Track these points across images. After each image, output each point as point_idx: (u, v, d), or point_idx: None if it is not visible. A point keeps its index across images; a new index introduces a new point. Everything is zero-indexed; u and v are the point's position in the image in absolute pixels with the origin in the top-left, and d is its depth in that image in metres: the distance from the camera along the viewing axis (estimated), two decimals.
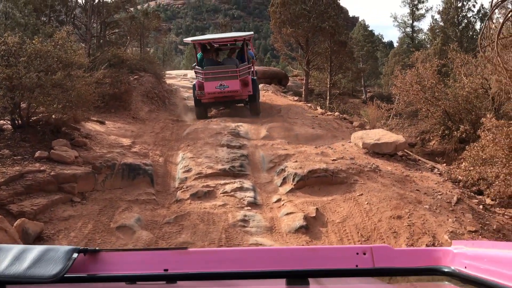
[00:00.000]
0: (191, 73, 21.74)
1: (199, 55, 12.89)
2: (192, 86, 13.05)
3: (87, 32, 14.36)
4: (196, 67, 12.49)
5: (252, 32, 14.50)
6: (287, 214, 7.49)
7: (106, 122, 10.95)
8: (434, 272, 1.35)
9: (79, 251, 1.30)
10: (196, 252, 1.39)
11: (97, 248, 1.34)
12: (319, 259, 1.34)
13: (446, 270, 1.33)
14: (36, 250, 1.28)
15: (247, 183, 8.59)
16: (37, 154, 7.83)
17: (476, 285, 1.21)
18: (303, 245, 6.50)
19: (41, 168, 7.44)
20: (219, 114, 13.89)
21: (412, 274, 1.38)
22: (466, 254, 1.33)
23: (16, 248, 1.30)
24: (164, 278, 1.31)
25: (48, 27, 12.33)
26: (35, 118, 8.93)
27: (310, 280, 1.32)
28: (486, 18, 11.15)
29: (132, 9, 18.28)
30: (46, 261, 1.24)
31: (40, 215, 6.70)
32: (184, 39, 14.73)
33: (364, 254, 1.36)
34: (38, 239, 6.23)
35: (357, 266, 1.34)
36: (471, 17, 33.00)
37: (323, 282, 1.37)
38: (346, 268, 1.33)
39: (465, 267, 1.29)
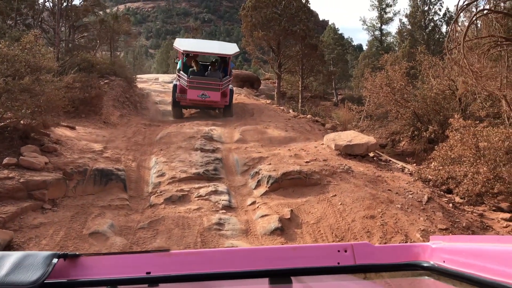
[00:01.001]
0: (162, 77, 21.58)
1: (183, 60, 13.54)
2: (172, 87, 13.59)
3: (55, 36, 14.07)
4: (181, 72, 13.16)
5: (238, 50, 15.26)
6: (262, 216, 7.51)
7: (77, 127, 10.74)
8: (413, 267, 1.38)
9: (58, 256, 1.27)
10: (178, 254, 1.39)
11: (77, 253, 1.32)
12: (301, 258, 1.35)
13: (425, 265, 1.37)
14: (14, 256, 1.25)
15: (221, 187, 8.58)
16: (5, 160, 7.62)
17: (455, 278, 1.24)
18: None
19: (10, 175, 7.25)
20: (193, 115, 13.83)
21: (392, 270, 1.41)
22: (444, 249, 1.36)
23: None
24: (146, 281, 1.29)
25: (15, 31, 12.03)
26: (2, 124, 8.69)
27: (293, 278, 1.33)
28: (452, 21, 11.47)
29: (101, 12, 18.02)
30: (25, 267, 1.21)
31: (9, 223, 6.52)
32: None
33: (345, 251, 1.38)
34: (7, 248, 6.05)
35: (338, 263, 1.36)
36: (438, 21, 33.92)
37: (305, 280, 1.38)
38: (328, 265, 1.35)
39: (444, 261, 1.32)
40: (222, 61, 14.09)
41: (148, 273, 1.29)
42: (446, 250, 1.35)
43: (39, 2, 15.66)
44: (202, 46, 15.43)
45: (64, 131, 10.06)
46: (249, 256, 1.37)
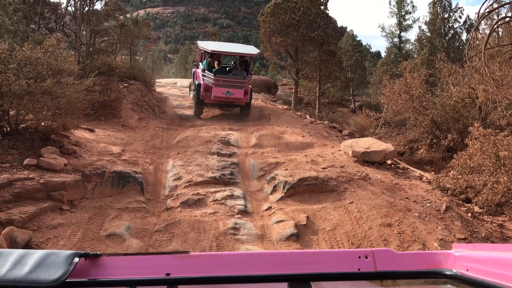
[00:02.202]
0: (180, 82, 21.74)
1: (208, 60, 14.32)
2: (196, 86, 14.43)
3: (76, 39, 14.29)
4: (206, 71, 14.02)
5: (260, 51, 16.27)
6: (278, 222, 7.49)
7: (96, 129, 10.88)
8: (436, 275, 1.36)
9: (80, 255, 1.29)
10: (198, 256, 1.39)
11: (98, 253, 1.33)
12: (321, 263, 1.34)
13: (448, 273, 1.34)
14: (36, 254, 1.27)
15: (237, 191, 8.59)
16: (25, 161, 7.75)
17: (479, 287, 1.22)
18: None
19: (30, 176, 7.37)
20: (209, 118, 13.89)
21: (414, 277, 1.39)
22: (467, 257, 1.34)
23: (16, 252, 1.28)
24: (165, 282, 1.30)
25: (38, 34, 12.26)
26: (24, 125, 8.86)
27: (312, 283, 1.32)
28: (473, 29, 11.34)
29: (121, 17, 18.26)
30: (47, 265, 1.23)
31: (28, 223, 6.62)
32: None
33: (366, 257, 1.36)
34: (26, 248, 6.14)
35: (359, 269, 1.34)
36: (458, 28, 33.48)
37: (325, 286, 1.37)
38: (348, 271, 1.34)
39: (467, 270, 1.30)
40: (244, 61, 14.82)
41: (168, 274, 1.29)
42: (470, 258, 1.33)
43: (62, 6, 15.97)
44: (226, 47, 16.26)
45: (84, 134, 10.20)
46: (269, 260, 1.37)
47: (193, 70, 17.02)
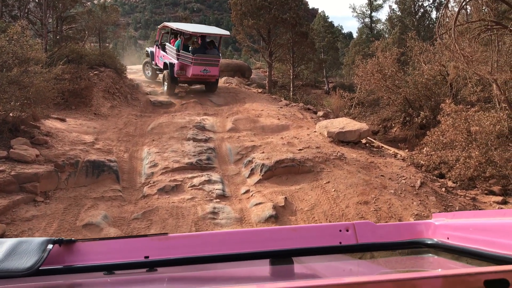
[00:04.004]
0: None
1: (179, 41, 14.98)
2: (168, 65, 15.05)
3: (42, 27, 13.84)
4: (182, 51, 14.63)
5: (229, 33, 17.17)
6: (256, 204, 7.51)
7: (67, 119, 10.63)
8: (417, 245, 1.37)
9: (53, 242, 1.24)
10: (177, 237, 1.36)
11: (72, 239, 1.29)
12: (302, 238, 1.33)
13: (429, 242, 1.35)
14: (8, 243, 1.22)
15: (215, 176, 8.56)
16: None
17: (460, 254, 1.23)
18: None
19: (0, 168, 7.17)
20: (184, 105, 13.75)
21: (395, 248, 1.39)
22: (447, 225, 1.35)
23: None
24: (144, 265, 1.26)
25: (1, 22, 11.83)
26: None
27: (294, 259, 1.30)
28: (443, 7, 11.46)
29: (89, 3, 17.78)
30: (20, 254, 1.18)
31: (1, 217, 6.46)
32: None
33: (347, 230, 1.36)
34: None
35: (340, 243, 1.33)
36: (427, 6, 33.84)
37: (307, 261, 1.36)
38: (330, 245, 1.33)
39: (448, 238, 1.30)
40: (211, 41, 15.72)
41: (147, 257, 1.26)
42: (450, 226, 1.33)
43: None
44: (200, 28, 16.97)
45: (55, 123, 9.95)
46: (249, 237, 1.35)
47: (149, 50, 17.67)
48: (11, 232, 6.22)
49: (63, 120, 10.43)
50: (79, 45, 14.66)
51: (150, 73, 17.35)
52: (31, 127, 8.94)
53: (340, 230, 1.36)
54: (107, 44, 19.72)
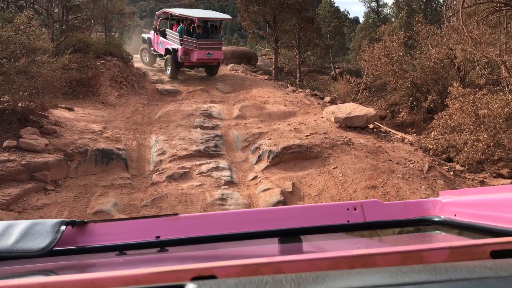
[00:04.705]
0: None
1: (181, 27, 15.39)
2: (171, 50, 15.37)
3: (48, 17, 13.86)
4: (185, 37, 15.03)
5: (230, 17, 17.58)
6: (264, 190, 7.55)
7: (75, 108, 10.69)
8: (425, 223, 1.38)
9: (66, 223, 1.27)
10: (187, 217, 1.38)
11: (85, 220, 1.32)
12: (310, 217, 1.35)
13: (436, 219, 1.36)
14: (22, 224, 1.25)
15: (222, 163, 8.60)
16: (5, 143, 7.62)
17: (468, 230, 1.23)
18: None
19: (11, 158, 7.26)
20: (190, 93, 13.76)
21: (403, 226, 1.40)
22: (454, 203, 1.36)
23: (1, 224, 1.26)
24: (156, 245, 1.29)
25: (7, 13, 11.86)
26: (0, 107, 8.65)
27: (302, 237, 1.32)
28: None
29: None
30: (34, 234, 1.21)
31: (13, 205, 6.56)
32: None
33: (355, 209, 1.37)
34: None
35: (348, 221, 1.35)
36: None
37: (315, 239, 1.38)
38: (338, 223, 1.35)
39: (455, 215, 1.31)
40: (214, 25, 16.33)
41: (158, 237, 1.29)
42: (457, 203, 1.34)
43: None
44: (201, 13, 17.27)
45: (63, 113, 10.02)
46: (258, 217, 1.37)
47: (146, 36, 17.93)
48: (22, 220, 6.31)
49: (71, 109, 10.49)
50: (85, 34, 14.67)
51: (148, 59, 17.70)
52: (39, 116, 9.01)
53: (348, 209, 1.38)
54: (113, 33, 19.71)
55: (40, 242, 1.19)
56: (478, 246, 0.81)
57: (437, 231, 1.37)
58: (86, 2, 15.85)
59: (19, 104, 8.63)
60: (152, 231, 1.30)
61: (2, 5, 13.55)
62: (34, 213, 6.49)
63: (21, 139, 7.82)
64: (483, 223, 1.17)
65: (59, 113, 9.85)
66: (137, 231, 1.32)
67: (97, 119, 10.36)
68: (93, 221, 1.33)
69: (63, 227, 1.25)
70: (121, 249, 1.28)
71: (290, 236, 1.33)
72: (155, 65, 17.66)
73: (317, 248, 1.39)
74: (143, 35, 19.32)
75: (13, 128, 8.21)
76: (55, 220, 1.28)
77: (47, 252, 1.18)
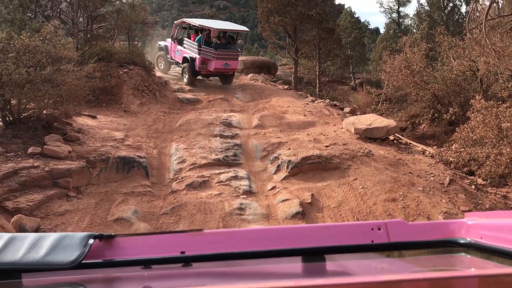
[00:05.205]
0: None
1: (200, 37, 16.03)
2: (189, 59, 16.04)
3: (74, 26, 14.17)
4: (204, 46, 15.64)
5: (247, 28, 18.70)
6: (283, 201, 7.55)
7: (98, 116, 10.88)
8: (450, 244, 1.36)
9: (94, 237, 1.30)
10: (212, 233, 1.40)
11: (112, 234, 1.35)
12: (334, 236, 1.34)
13: (462, 241, 1.34)
14: (52, 237, 1.28)
15: (241, 172, 8.63)
16: (30, 150, 7.79)
17: (494, 254, 1.22)
18: None
19: (35, 164, 7.41)
20: (210, 102, 13.87)
21: (428, 247, 1.38)
22: (481, 225, 1.34)
23: (31, 236, 1.29)
24: (180, 260, 1.30)
25: (35, 22, 12.16)
26: (26, 114, 8.86)
27: (326, 256, 1.32)
28: (473, 1, 11.22)
29: (118, 2, 18.03)
30: (63, 247, 1.24)
31: (36, 211, 6.68)
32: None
33: (379, 229, 1.36)
34: None
35: (372, 241, 1.35)
36: (457, 1, 33.03)
37: (339, 258, 1.37)
38: (362, 243, 1.34)
39: (481, 238, 1.30)
40: (231, 36, 16.86)
41: (183, 252, 1.30)
42: (483, 226, 1.32)
43: None
44: (219, 24, 17.96)
45: (86, 120, 10.21)
46: (282, 235, 1.37)
47: (163, 44, 18.45)
48: (45, 226, 6.43)
49: (94, 117, 10.68)
50: (109, 43, 14.93)
51: (163, 66, 18.21)
52: (63, 124, 9.19)
53: (372, 229, 1.37)
54: (136, 42, 19.99)
55: (69, 255, 1.22)
56: (508, 276, 0.80)
57: (463, 254, 1.35)
58: (110, 12, 16.13)
59: (44, 112, 8.82)
60: (177, 246, 1.32)
61: (30, 15, 13.91)
62: (56, 219, 6.61)
63: (45, 146, 7.98)
64: (511, 248, 1.16)
65: (83, 121, 10.04)
66: (162, 246, 1.33)
67: (119, 127, 10.52)
68: (120, 235, 1.35)
69: (91, 241, 1.28)
70: (146, 263, 1.30)
71: (313, 255, 1.33)
72: (174, 73, 18.10)
73: (342, 268, 1.39)
74: (159, 42, 19.80)
75: (38, 135, 8.39)
76: (83, 234, 1.31)
77: (76, 265, 1.21)
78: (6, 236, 1.30)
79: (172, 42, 17.52)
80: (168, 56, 17.93)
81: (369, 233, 1.37)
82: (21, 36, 8.44)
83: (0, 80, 7.99)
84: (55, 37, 9.25)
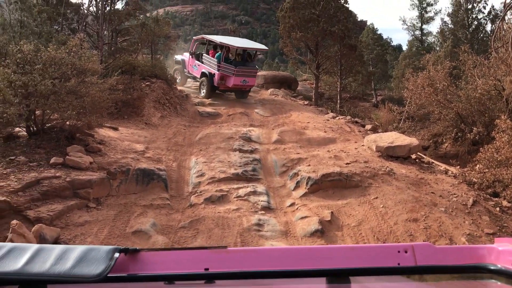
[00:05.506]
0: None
1: (220, 53, 16.68)
2: (208, 74, 16.62)
3: (99, 39, 14.47)
4: (223, 63, 16.26)
5: (267, 48, 19.45)
6: (302, 218, 7.46)
7: (120, 128, 11.00)
8: (479, 270, 1.32)
9: (120, 250, 1.31)
10: (236, 251, 1.39)
11: (137, 248, 1.35)
12: (359, 258, 1.32)
13: (492, 268, 1.30)
14: (78, 250, 1.30)
15: (260, 187, 8.58)
16: (52, 160, 7.89)
17: None
18: None
19: (57, 174, 7.50)
20: (230, 116, 13.91)
21: (456, 272, 1.35)
22: None
23: (58, 248, 1.31)
24: (204, 277, 1.30)
25: (61, 35, 12.46)
26: (49, 124, 9.00)
27: (351, 278, 1.30)
28: (499, 20, 11.08)
29: (142, 16, 18.39)
30: (89, 260, 1.25)
31: (56, 221, 6.74)
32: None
33: (406, 252, 1.33)
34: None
35: (399, 264, 1.31)
36: (482, 19, 32.74)
37: (364, 281, 1.34)
38: (388, 266, 1.31)
39: None
40: (249, 54, 17.45)
41: (206, 269, 1.30)
42: None
43: (84, 7, 16.17)
44: (239, 42, 18.41)
45: (108, 132, 10.32)
46: (306, 255, 1.35)
47: (180, 58, 19.24)
48: (65, 236, 6.47)
49: (115, 129, 10.81)
50: (132, 56, 15.18)
51: (179, 80, 18.66)
52: (86, 135, 9.31)
53: (399, 251, 1.34)
54: (158, 56, 20.31)
55: (95, 268, 1.23)
56: None
57: (493, 280, 1.31)
58: (134, 25, 16.45)
59: (67, 123, 8.95)
60: (201, 263, 1.32)
61: (57, 28, 14.25)
62: (75, 230, 6.65)
63: (67, 157, 8.08)
64: None
65: (104, 132, 10.16)
66: (186, 262, 1.33)
67: (140, 139, 10.61)
68: (145, 249, 1.35)
69: (116, 254, 1.29)
70: (170, 279, 1.30)
71: (338, 277, 1.30)
72: (194, 86, 18.62)
73: None
74: (176, 56, 20.47)
75: (60, 146, 8.50)
76: (109, 247, 1.32)
77: (102, 279, 1.21)
78: (34, 247, 1.31)
79: (190, 57, 18.11)
80: (185, 70, 18.62)
81: (395, 256, 1.34)
82: (48, 49, 8.63)
83: (26, 91, 8.16)
84: (80, 50, 9.43)
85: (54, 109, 8.51)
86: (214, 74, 16.40)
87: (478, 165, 10.01)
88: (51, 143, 8.58)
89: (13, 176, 7.13)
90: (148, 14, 20.43)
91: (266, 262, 1.31)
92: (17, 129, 8.79)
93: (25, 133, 8.76)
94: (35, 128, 8.79)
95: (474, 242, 6.77)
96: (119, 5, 21.24)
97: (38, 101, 8.17)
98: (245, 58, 17.04)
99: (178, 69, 19.16)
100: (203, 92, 16.88)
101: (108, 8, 15.31)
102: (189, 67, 18.34)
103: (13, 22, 12.25)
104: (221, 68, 16.23)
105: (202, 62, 17.30)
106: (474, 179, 9.37)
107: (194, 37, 19.19)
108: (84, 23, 15.28)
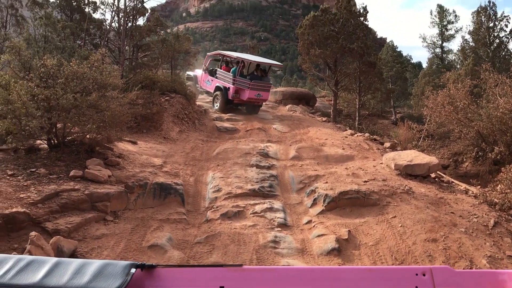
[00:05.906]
0: None
1: (235, 68, 17.23)
2: (221, 89, 17.25)
3: (120, 54, 14.74)
4: (239, 77, 16.76)
5: (282, 64, 19.99)
6: (319, 236, 7.38)
7: (138, 142, 11.12)
8: None
9: (136, 266, 1.31)
10: (252, 269, 1.37)
11: (154, 264, 1.35)
12: (377, 280, 1.30)
13: None
14: (95, 264, 1.31)
15: (277, 204, 8.54)
16: (72, 173, 7.99)
17: None
18: None
19: (76, 187, 7.58)
20: (248, 132, 13.95)
21: None
22: None
23: (76, 262, 1.32)
24: None
25: (84, 50, 12.71)
26: (70, 138, 9.14)
27: None
28: None
29: (163, 32, 18.71)
30: (106, 275, 1.26)
31: (74, 233, 6.79)
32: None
33: (424, 275, 1.31)
34: (72, 257, 6.29)
35: (416, 287, 1.29)
36: (504, 37, 32.37)
37: None
38: None
39: None
40: (263, 69, 17.97)
41: (222, 287, 1.29)
42: None
43: (106, 23, 16.54)
44: (253, 57, 19.05)
45: (127, 146, 10.43)
46: (323, 275, 1.34)
47: (192, 74, 20.10)
48: (81, 249, 6.51)
49: (134, 143, 10.92)
50: (153, 72, 15.39)
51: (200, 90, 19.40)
52: (105, 148, 9.42)
53: (417, 274, 1.31)
54: (178, 71, 20.58)
55: (111, 283, 1.24)
56: None
57: None
58: (155, 41, 16.72)
59: (87, 136, 9.08)
60: (216, 281, 1.31)
61: (80, 43, 14.56)
62: (92, 243, 6.68)
63: (86, 170, 8.17)
64: None
65: (123, 146, 10.27)
66: (202, 279, 1.33)
67: (158, 153, 10.69)
68: (161, 265, 1.35)
69: (133, 270, 1.30)
70: None
71: None
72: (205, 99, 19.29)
73: None
74: (188, 72, 21.18)
75: (80, 159, 8.62)
76: (126, 262, 1.32)
77: None
78: (52, 260, 1.33)
79: (203, 72, 18.72)
80: (197, 85, 19.21)
81: (413, 279, 1.32)
82: (71, 63, 8.81)
83: (48, 104, 8.32)
84: (102, 65, 9.61)
85: (75, 123, 8.64)
86: (229, 87, 16.91)
87: (499, 185, 9.81)
88: (71, 156, 8.70)
89: (33, 188, 7.23)
90: (168, 30, 20.77)
91: (282, 282, 1.30)
92: (38, 141, 8.94)
93: (46, 146, 8.91)
94: (56, 141, 8.93)
95: (495, 264, 6.60)
96: (140, 21, 21.64)
97: (59, 114, 8.32)
98: (259, 72, 17.47)
99: (189, 85, 19.52)
100: (217, 106, 17.39)
101: (130, 24, 15.61)
102: (201, 82, 18.97)
103: (38, 37, 12.56)
104: (236, 82, 16.72)
105: (216, 77, 17.84)
106: (495, 200, 9.18)
107: (208, 53, 19.82)
108: (106, 39, 15.60)
